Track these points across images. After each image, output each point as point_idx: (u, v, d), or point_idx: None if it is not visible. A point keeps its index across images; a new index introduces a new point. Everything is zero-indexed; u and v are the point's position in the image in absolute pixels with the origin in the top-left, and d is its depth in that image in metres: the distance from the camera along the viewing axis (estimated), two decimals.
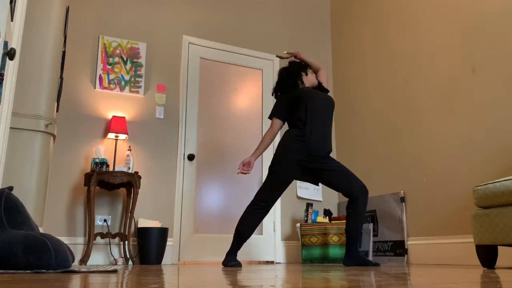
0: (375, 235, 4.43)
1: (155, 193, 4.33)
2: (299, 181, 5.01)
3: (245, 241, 3.29)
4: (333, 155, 5.28)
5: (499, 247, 3.22)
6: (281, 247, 4.77)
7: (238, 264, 3.19)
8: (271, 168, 3.29)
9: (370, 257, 4.26)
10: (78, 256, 3.91)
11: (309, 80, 3.53)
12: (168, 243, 4.24)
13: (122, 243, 4.06)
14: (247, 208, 3.30)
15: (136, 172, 3.94)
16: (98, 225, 4.03)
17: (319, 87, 3.58)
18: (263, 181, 4.23)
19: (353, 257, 3.22)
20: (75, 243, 3.93)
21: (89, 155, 4.14)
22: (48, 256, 1.99)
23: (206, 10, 5.02)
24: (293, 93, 3.41)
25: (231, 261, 3.21)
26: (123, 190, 4.20)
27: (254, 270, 2.46)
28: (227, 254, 3.28)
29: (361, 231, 3.27)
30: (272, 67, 5.23)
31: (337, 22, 5.60)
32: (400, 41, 4.52)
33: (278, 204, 4.85)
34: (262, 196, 3.26)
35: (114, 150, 4.12)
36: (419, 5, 4.32)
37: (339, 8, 5.58)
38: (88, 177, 3.84)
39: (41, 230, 2.70)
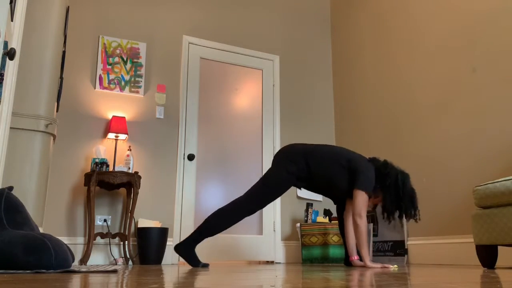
0: (375, 235, 4.43)
1: (155, 193, 4.33)
2: None
3: (206, 237, 2.99)
4: None
5: (499, 247, 3.21)
6: (281, 247, 4.77)
7: (202, 265, 3.00)
8: None
9: (370, 257, 4.25)
10: (78, 256, 3.91)
11: (373, 200, 3.15)
12: (168, 243, 4.24)
13: (122, 243, 4.06)
14: (238, 205, 3.01)
15: (136, 172, 3.94)
16: (98, 225, 4.03)
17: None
18: None
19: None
20: (75, 243, 3.93)
21: (89, 155, 4.14)
22: (48, 256, 1.99)
23: (206, 10, 5.02)
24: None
25: (193, 261, 2.99)
26: (123, 190, 4.20)
27: (254, 270, 2.46)
28: (185, 243, 2.99)
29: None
30: (272, 67, 5.23)
31: (337, 22, 5.59)
32: (400, 41, 4.52)
33: (278, 204, 4.85)
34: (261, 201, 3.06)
35: (114, 150, 4.12)
36: (419, 5, 4.32)
37: (339, 8, 5.58)
38: (88, 177, 3.84)
39: (41, 230, 2.70)
